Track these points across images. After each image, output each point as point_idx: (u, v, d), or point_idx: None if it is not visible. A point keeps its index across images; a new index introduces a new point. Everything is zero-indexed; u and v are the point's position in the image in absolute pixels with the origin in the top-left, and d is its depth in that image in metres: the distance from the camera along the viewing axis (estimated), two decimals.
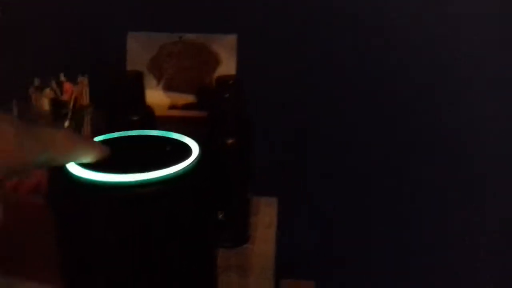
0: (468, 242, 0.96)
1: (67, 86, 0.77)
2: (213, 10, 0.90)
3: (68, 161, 0.37)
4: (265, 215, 0.85)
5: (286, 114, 0.92)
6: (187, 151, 0.41)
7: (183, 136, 0.44)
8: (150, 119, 0.75)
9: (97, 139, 0.41)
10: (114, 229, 0.39)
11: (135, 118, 0.72)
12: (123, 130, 0.43)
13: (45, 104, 0.73)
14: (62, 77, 0.79)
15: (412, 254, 0.98)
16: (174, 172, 0.38)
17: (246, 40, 0.86)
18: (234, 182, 0.71)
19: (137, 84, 0.78)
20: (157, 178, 0.37)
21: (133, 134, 0.45)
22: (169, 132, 0.45)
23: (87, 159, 0.37)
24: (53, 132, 0.34)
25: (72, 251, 0.41)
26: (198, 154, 0.40)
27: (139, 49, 0.90)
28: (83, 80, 0.79)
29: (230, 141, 0.68)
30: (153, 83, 0.90)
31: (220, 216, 0.71)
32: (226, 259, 0.72)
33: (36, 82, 0.77)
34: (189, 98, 0.88)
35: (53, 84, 0.77)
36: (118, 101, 0.74)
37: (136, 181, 0.37)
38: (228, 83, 0.71)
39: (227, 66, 0.87)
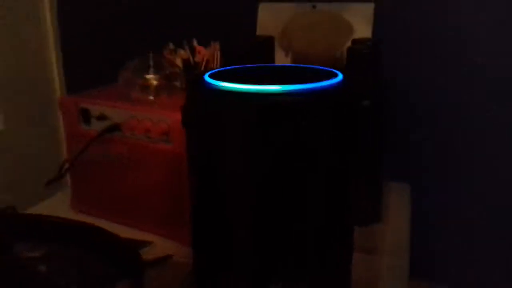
0: None
1: (200, 48, 0.77)
2: None
3: None
4: (398, 202, 0.76)
5: (424, 92, 0.84)
6: (328, 76, 0.37)
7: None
8: None
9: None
10: (250, 138, 0.36)
11: None
12: None
13: (179, 63, 0.74)
14: (195, 42, 0.79)
15: None
16: (312, 86, 0.36)
17: (383, 9, 0.80)
18: (368, 150, 0.64)
19: (268, 48, 0.76)
20: (295, 89, 0.35)
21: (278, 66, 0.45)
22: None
23: None
24: None
25: (206, 169, 0.39)
26: (340, 78, 0.38)
27: (270, 20, 0.88)
28: (215, 44, 0.78)
29: (365, 102, 0.62)
30: (281, 55, 0.87)
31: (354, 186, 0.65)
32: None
33: (171, 45, 0.78)
34: None
35: (186, 47, 0.77)
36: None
37: (274, 90, 0.35)
38: (365, 42, 0.65)
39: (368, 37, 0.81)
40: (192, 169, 0.40)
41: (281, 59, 0.86)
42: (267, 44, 0.77)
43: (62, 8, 0.99)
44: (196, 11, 0.94)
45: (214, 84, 0.36)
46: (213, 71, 0.40)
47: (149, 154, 0.60)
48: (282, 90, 0.34)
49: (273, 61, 0.77)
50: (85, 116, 0.65)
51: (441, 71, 0.82)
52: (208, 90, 0.36)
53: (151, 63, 0.66)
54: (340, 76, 0.38)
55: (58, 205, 0.71)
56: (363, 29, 0.82)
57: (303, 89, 0.35)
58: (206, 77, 0.38)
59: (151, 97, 0.64)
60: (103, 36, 0.99)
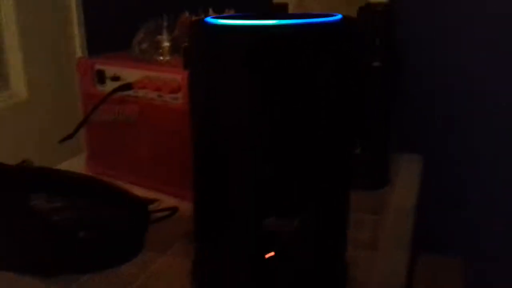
0: None
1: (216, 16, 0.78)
2: None
3: None
4: (409, 171, 0.76)
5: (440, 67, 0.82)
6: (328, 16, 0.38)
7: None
8: None
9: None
10: (245, 71, 0.36)
11: None
12: None
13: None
14: (211, 11, 0.80)
15: None
16: (309, 21, 0.36)
17: None
18: (378, 112, 0.64)
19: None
20: (291, 23, 0.35)
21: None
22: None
23: None
24: None
25: (208, 110, 0.40)
26: (338, 18, 0.38)
27: None
28: (229, 11, 0.79)
29: (376, 63, 0.62)
30: None
31: (358, 150, 0.65)
32: (362, 200, 0.65)
33: (186, 14, 0.80)
34: None
35: (202, 15, 0.78)
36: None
37: (270, 24, 0.35)
38: (378, 5, 0.65)
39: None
40: (193, 111, 0.41)
41: None
42: (281, 11, 0.78)
43: None
44: None
45: (212, 22, 0.37)
46: (217, 16, 0.41)
47: (160, 112, 0.62)
48: (278, 24, 0.35)
49: None
50: (100, 77, 0.67)
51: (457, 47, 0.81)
52: (207, 27, 0.37)
53: (165, 23, 0.68)
54: (339, 16, 0.39)
55: (75, 167, 0.74)
56: None
57: (299, 23, 0.36)
58: (207, 18, 0.39)
59: (163, 58, 0.65)
60: (123, 2, 1.02)
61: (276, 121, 0.36)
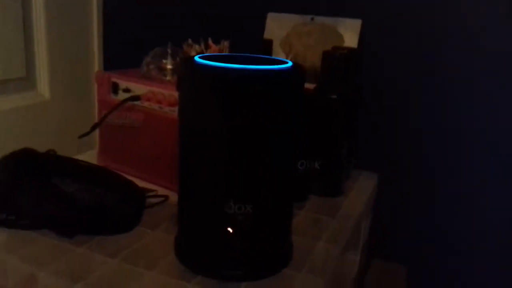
0: None
1: (212, 45, 0.94)
2: None
3: None
4: (363, 186, 0.91)
5: (399, 98, 0.98)
6: (280, 63, 0.54)
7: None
8: None
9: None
10: (222, 101, 0.52)
11: None
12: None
13: (193, 55, 0.91)
14: (210, 41, 0.96)
15: None
16: (265, 68, 0.52)
17: (368, 25, 0.95)
18: (333, 135, 0.80)
19: (268, 48, 0.93)
20: (256, 69, 0.51)
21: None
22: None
23: None
24: None
25: (190, 121, 0.56)
26: (288, 65, 0.53)
27: (275, 27, 1.04)
28: (225, 43, 0.95)
29: (333, 96, 0.78)
30: (282, 57, 1.03)
31: (316, 164, 0.81)
32: (316, 204, 0.81)
33: (190, 41, 0.96)
34: (311, 72, 0.99)
35: (202, 43, 0.94)
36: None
37: (240, 68, 0.51)
38: (343, 49, 0.81)
39: (350, 46, 0.97)
40: (179, 123, 0.57)
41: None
42: (267, 45, 0.95)
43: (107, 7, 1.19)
44: (216, 14, 1.11)
45: (197, 61, 0.53)
46: (202, 55, 0.57)
47: (159, 121, 0.78)
48: (239, 67, 0.51)
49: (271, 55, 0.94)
50: (114, 88, 0.83)
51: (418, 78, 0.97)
52: (192, 65, 0.53)
53: (169, 51, 0.84)
54: (289, 64, 0.54)
55: (88, 159, 0.90)
56: (351, 40, 0.98)
57: (253, 69, 0.51)
58: (195, 58, 0.55)
59: (165, 77, 0.81)
60: (136, 28, 1.19)
61: (235, 138, 0.52)
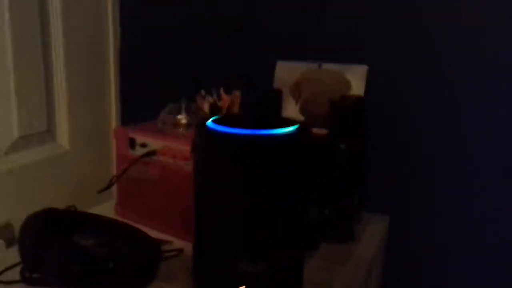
0: None
1: (224, 96, 0.98)
2: (348, 42, 1.04)
3: None
4: (374, 227, 0.93)
5: (404, 139, 1.01)
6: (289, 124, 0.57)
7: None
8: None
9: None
10: (227, 163, 0.55)
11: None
12: None
13: (206, 107, 0.95)
14: (222, 91, 1.00)
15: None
16: (273, 132, 0.55)
17: (376, 71, 0.99)
18: (342, 183, 0.82)
19: (278, 98, 0.96)
20: (264, 134, 0.54)
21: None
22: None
23: None
24: None
25: (204, 183, 0.59)
26: (295, 128, 0.57)
27: (284, 74, 1.08)
28: (237, 93, 0.99)
29: (342, 146, 0.81)
30: (292, 103, 1.07)
31: (326, 211, 0.83)
32: (330, 251, 0.82)
33: (202, 92, 1.00)
34: (320, 118, 1.02)
35: (214, 94, 0.98)
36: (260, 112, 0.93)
37: (249, 134, 0.54)
38: (350, 98, 0.84)
39: (357, 92, 1.00)
40: (194, 185, 0.60)
41: (292, 106, 1.07)
42: (277, 95, 0.98)
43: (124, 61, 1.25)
44: (228, 65, 1.16)
45: (209, 126, 0.57)
46: (215, 117, 0.60)
47: (175, 174, 0.81)
48: (250, 133, 0.54)
49: (280, 108, 0.98)
50: (132, 143, 0.87)
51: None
52: (205, 130, 0.57)
53: (183, 106, 0.88)
54: (295, 126, 0.57)
55: (106, 211, 0.93)
56: (358, 86, 1.01)
57: (265, 134, 0.54)
58: (208, 122, 0.58)
59: (181, 132, 0.85)
60: (153, 81, 1.24)
61: (248, 197, 0.55)
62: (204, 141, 0.57)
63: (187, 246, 0.78)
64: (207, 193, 0.58)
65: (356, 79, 1.01)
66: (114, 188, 0.92)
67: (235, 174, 0.55)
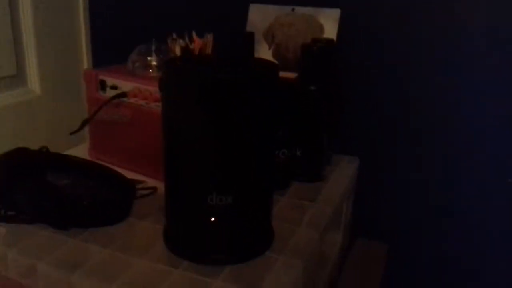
0: None
1: (196, 39, 0.97)
2: None
3: None
4: (344, 170, 0.96)
5: (377, 85, 1.02)
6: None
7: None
8: None
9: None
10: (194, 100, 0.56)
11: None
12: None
13: (177, 51, 0.94)
14: (194, 34, 0.99)
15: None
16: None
17: (348, 14, 0.99)
18: (313, 124, 0.84)
19: (250, 41, 0.96)
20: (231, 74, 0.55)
21: None
22: None
23: None
24: None
25: (172, 121, 0.59)
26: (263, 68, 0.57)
27: (257, 18, 1.08)
28: (209, 36, 0.98)
29: (312, 87, 0.82)
30: (265, 48, 1.07)
31: (298, 152, 0.85)
32: (298, 190, 0.85)
33: (174, 35, 0.99)
34: (293, 62, 1.03)
35: (186, 37, 0.97)
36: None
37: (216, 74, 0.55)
38: (321, 41, 0.85)
39: (330, 36, 1.00)
40: (163, 123, 0.61)
41: (265, 51, 1.07)
42: (249, 38, 0.97)
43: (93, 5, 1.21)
44: (200, 9, 1.14)
45: (176, 64, 0.57)
46: (185, 57, 0.60)
47: (146, 115, 0.82)
48: (217, 73, 0.55)
49: (253, 51, 0.97)
50: (102, 85, 0.86)
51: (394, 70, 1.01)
52: (172, 67, 0.57)
53: (153, 48, 0.87)
54: (264, 67, 0.58)
55: (79, 154, 0.93)
56: (330, 29, 1.01)
57: (232, 74, 0.55)
58: (175, 61, 0.58)
59: (151, 73, 0.85)
60: (123, 24, 1.21)
61: (216, 135, 0.56)
62: (171, 79, 0.57)
63: (161, 186, 0.79)
64: (176, 132, 0.59)
65: (329, 23, 1.02)
66: (87, 131, 0.92)
67: (202, 113, 0.56)
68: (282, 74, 1.02)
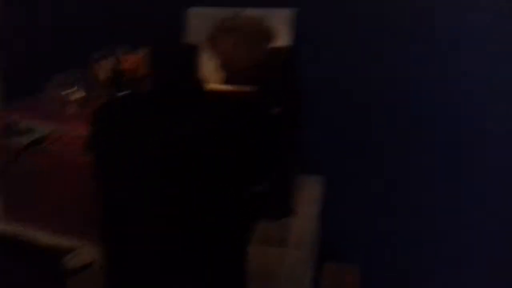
0: None
1: (129, 57, 0.81)
2: None
3: None
4: (310, 193, 0.84)
5: (338, 93, 0.91)
6: None
7: None
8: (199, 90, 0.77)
9: None
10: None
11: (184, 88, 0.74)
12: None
13: (102, 75, 0.77)
14: (121, 53, 0.82)
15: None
16: None
17: (304, 15, 0.85)
18: (278, 153, 0.71)
19: (193, 55, 0.80)
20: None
21: None
22: None
23: None
24: None
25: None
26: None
27: (198, 24, 0.92)
28: (141, 52, 0.82)
29: (274, 111, 0.68)
30: (210, 56, 0.92)
31: (263, 187, 0.72)
32: (267, 230, 0.72)
33: (96, 55, 0.81)
34: (243, 73, 0.89)
35: (117, 53, 0.81)
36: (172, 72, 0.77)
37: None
38: (280, 54, 0.71)
39: (282, 41, 0.87)
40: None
41: (210, 62, 0.91)
42: (192, 51, 0.82)
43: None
44: (129, 18, 0.97)
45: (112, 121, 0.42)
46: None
47: (69, 165, 0.65)
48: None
49: (196, 67, 0.82)
50: (9, 129, 0.69)
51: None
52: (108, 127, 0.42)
53: (74, 78, 0.71)
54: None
55: None
56: (283, 34, 0.87)
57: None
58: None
59: (72, 111, 0.68)
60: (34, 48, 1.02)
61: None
62: (109, 145, 0.43)
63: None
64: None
65: (280, 26, 0.88)
66: None
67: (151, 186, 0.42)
68: (231, 88, 0.89)
